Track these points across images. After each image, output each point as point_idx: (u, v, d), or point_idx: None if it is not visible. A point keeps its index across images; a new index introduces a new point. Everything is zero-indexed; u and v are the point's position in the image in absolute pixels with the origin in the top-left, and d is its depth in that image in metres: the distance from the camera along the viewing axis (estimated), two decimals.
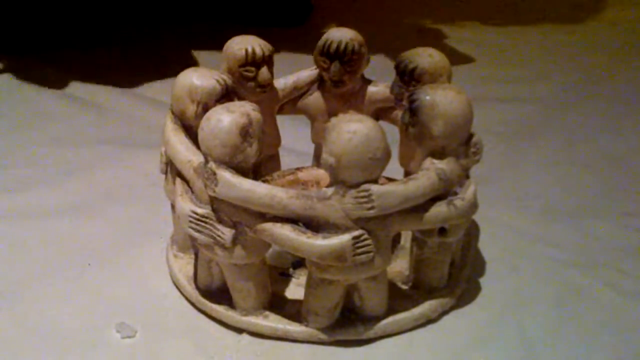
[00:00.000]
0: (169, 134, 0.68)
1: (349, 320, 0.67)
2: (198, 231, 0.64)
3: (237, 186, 0.60)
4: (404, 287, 0.72)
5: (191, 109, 0.67)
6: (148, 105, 1.14)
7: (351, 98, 0.78)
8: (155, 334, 0.68)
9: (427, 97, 0.63)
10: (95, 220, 0.85)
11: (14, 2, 1.34)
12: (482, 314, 0.71)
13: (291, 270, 0.74)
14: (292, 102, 0.80)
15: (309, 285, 0.66)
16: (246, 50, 0.73)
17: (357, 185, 0.60)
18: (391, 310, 0.68)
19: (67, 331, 0.68)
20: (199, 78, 0.67)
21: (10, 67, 1.26)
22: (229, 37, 0.75)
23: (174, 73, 0.69)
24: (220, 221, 0.63)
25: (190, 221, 0.64)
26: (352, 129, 0.59)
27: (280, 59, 0.78)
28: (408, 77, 0.71)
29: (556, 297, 0.73)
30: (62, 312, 0.70)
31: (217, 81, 0.67)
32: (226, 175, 0.60)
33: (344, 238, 0.60)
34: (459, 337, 0.68)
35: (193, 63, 1.26)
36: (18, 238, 0.82)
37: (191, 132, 0.67)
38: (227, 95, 0.67)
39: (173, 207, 0.71)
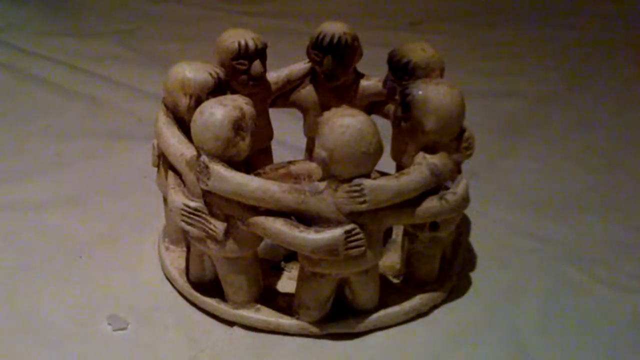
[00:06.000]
0: (162, 127, 0.67)
1: (341, 314, 0.67)
2: (190, 224, 0.63)
3: (229, 180, 0.60)
4: (396, 280, 0.72)
5: (184, 102, 0.66)
6: (140, 98, 1.13)
7: (344, 92, 0.78)
8: (147, 326, 0.68)
9: (420, 92, 0.63)
10: (87, 212, 0.85)
11: None
12: (473, 308, 0.71)
13: (283, 263, 0.74)
14: (284, 95, 0.80)
15: (301, 279, 0.66)
16: (239, 43, 0.72)
17: (350, 179, 0.60)
18: (382, 304, 0.68)
19: (58, 324, 0.68)
20: (191, 71, 0.66)
21: None
22: None
23: (167, 65, 0.69)
24: (212, 214, 0.63)
25: (183, 214, 0.64)
26: (344, 123, 0.59)
27: None
28: (401, 72, 0.71)
29: (547, 292, 0.73)
30: (53, 305, 0.70)
31: (210, 74, 0.66)
32: (219, 169, 0.60)
33: (336, 232, 0.60)
34: (449, 331, 0.68)
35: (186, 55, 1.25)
36: (9, 230, 0.81)
37: (184, 125, 0.67)
38: (220, 88, 0.67)
39: (165, 200, 0.71)
